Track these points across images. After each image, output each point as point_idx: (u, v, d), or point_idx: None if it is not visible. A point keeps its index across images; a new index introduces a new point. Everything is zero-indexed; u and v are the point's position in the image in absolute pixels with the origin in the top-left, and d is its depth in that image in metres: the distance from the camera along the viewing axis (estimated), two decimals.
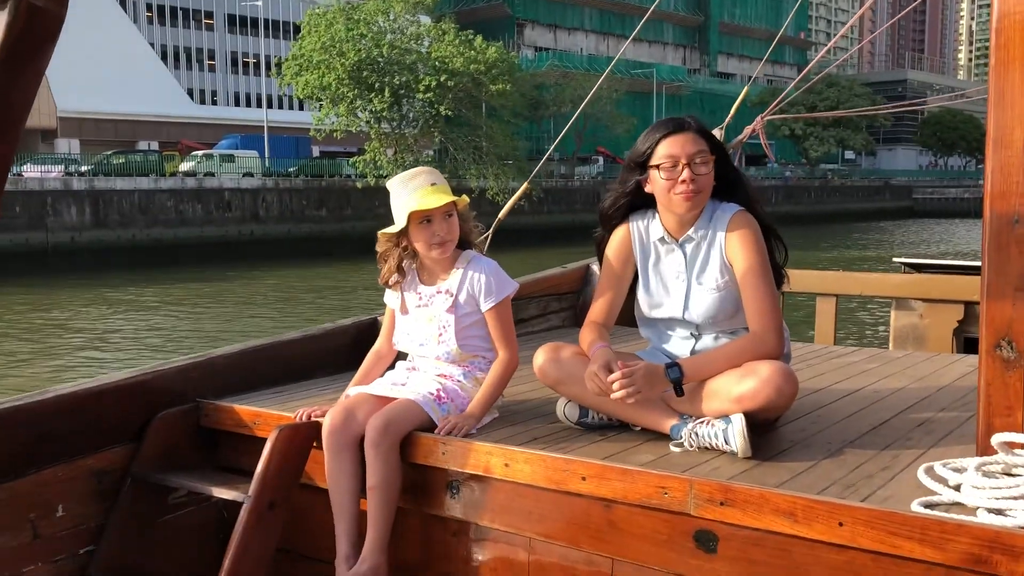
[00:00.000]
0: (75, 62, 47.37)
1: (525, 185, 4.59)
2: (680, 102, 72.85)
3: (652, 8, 5.90)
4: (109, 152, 38.21)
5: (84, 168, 34.86)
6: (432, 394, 2.71)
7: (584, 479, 2.35)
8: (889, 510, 1.99)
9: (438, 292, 2.86)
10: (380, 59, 36.25)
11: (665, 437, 2.56)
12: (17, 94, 1.02)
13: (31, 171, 33.12)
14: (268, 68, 58.28)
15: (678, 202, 2.63)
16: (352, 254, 30.42)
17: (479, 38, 38.73)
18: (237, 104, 56.98)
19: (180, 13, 54.66)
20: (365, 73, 36.34)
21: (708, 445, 2.44)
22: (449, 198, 2.75)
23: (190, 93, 54.95)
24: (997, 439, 2.11)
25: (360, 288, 23.82)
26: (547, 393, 3.00)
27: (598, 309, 2.78)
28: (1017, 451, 2.11)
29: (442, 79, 36.09)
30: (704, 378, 2.53)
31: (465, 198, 2.87)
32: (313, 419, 2.79)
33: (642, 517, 2.30)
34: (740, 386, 2.44)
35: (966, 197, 71.98)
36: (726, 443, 2.40)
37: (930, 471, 2.20)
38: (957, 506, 2.05)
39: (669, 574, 2.29)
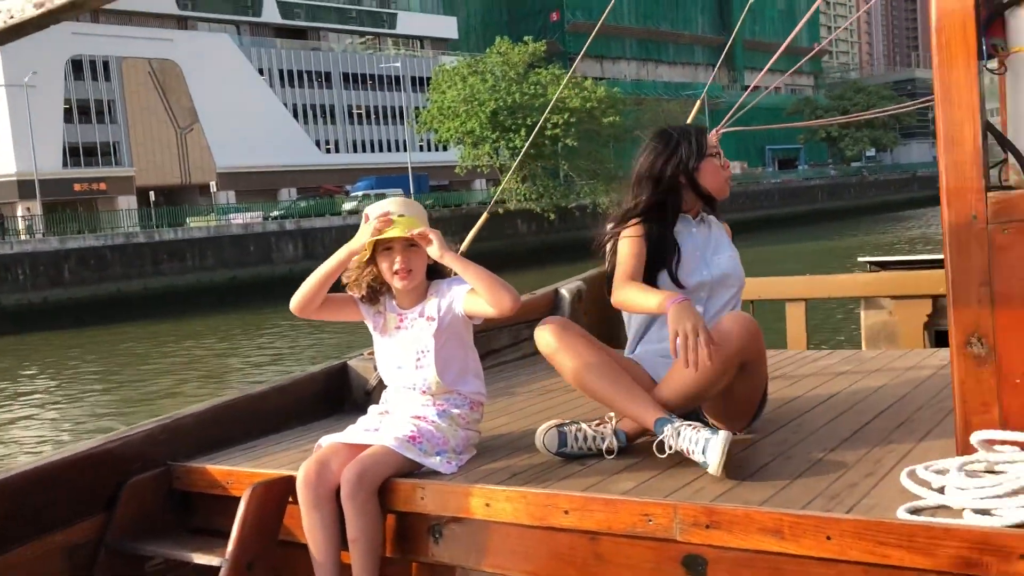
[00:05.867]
0: (226, 124, 55.27)
1: (486, 215, 4.68)
2: (719, 116, 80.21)
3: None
4: (294, 199, 45.72)
5: (275, 213, 42.34)
6: (406, 436, 2.66)
7: (567, 512, 2.30)
8: (875, 519, 1.98)
9: (420, 316, 2.83)
10: (514, 105, 43.73)
11: (646, 463, 2.53)
12: None
13: (241, 218, 40.47)
14: (378, 117, 66.47)
15: (725, 183, 3.00)
16: (498, 267, 37.25)
17: (588, 80, 46.29)
18: (355, 151, 64.81)
19: (304, 75, 62.70)
20: (501, 117, 43.81)
21: (685, 449, 2.41)
22: (405, 232, 2.68)
23: (317, 144, 62.94)
24: (976, 437, 2.11)
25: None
26: (524, 425, 2.99)
27: (635, 275, 2.79)
28: (997, 448, 2.09)
29: (566, 117, 43.52)
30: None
31: (399, 231, 2.69)
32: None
33: (628, 547, 2.26)
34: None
35: None
36: (703, 453, 2.35)
37: (912, 475, 2.18)
38: (943, 509, 2.01)
39: None
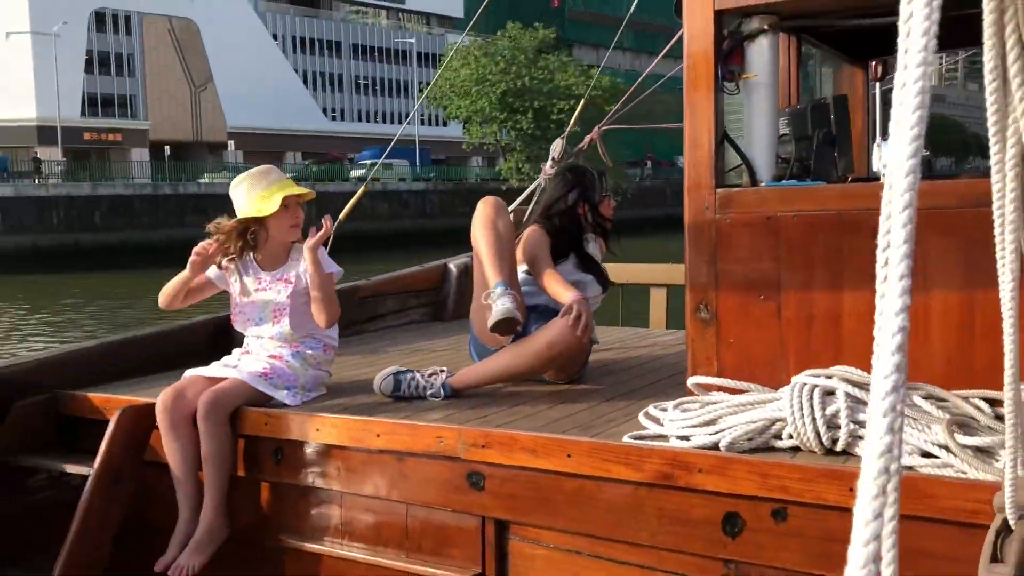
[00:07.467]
0: (239, 85, 56.59)
1: (364, 187, 5.50)
2: None
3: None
4: (307, 162, 47.62)
5: (289, 175, 43.91)
6: (259, 372, 2.97)
7: (379, 435, 2.70)
8: (603, 441, 2.42)
9: (278, 279, 3.15)
10: (523, 88, 45.91)
11: (459, 404, 2.97)
12: None
13: None
14: (382, 89, 68.27)
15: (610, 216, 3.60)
16: None
17: (594, 69, 48.51)
18: (360, 120, 66.63)
19: (316, 43, 64.33)
20: (510, 99, 45.95)
21: (493, 301, 2.98)
22: (304, 189, 3.14)
23: (323, 111, 64.51)
24: (692, 381, 2.56)
25: None
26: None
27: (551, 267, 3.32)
28: (713, 393, 2.48)
29: (572, 104, 45.71)
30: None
31: (312, 192, 3.21)
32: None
33: (426, 465, 2.65)
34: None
35: None
36: (497, 306, 2.96)
37: (646, 413, 2.58)
38: (661, 438, 2.43)
39: (450, 512, 2.65)
